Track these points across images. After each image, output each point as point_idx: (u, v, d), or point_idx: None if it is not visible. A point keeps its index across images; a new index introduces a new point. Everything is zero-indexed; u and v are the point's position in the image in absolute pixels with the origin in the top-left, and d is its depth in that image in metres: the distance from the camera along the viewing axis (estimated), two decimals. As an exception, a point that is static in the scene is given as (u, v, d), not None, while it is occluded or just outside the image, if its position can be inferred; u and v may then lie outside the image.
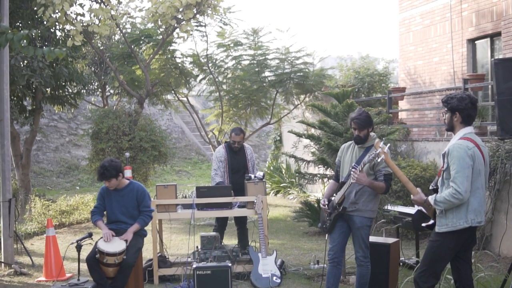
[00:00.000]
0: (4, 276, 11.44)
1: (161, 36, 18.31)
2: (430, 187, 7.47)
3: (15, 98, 17.90)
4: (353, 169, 8.19)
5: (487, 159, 7.10)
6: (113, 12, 16.67)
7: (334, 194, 8.75)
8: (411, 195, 7.37)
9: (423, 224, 7.56)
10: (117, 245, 9.11)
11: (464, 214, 6.88)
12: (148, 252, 12.44)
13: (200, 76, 20.40)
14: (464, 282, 7.24)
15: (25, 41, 8.86)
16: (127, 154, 14.82)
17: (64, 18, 15.54)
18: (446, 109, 7.13)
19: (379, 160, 7.81)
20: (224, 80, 20.26)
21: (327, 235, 8.99)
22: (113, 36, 22.73)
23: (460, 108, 6.98)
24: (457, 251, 7.10)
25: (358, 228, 8.50)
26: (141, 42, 19.48)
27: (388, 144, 7.97)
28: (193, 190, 11.42)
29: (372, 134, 8.58)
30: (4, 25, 8.97)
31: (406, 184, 7.40)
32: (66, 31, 17.88)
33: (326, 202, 8.72)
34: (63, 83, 18.71)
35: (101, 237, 9.32)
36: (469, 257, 7.31)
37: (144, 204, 9.56)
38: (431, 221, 7.28)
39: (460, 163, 6.77)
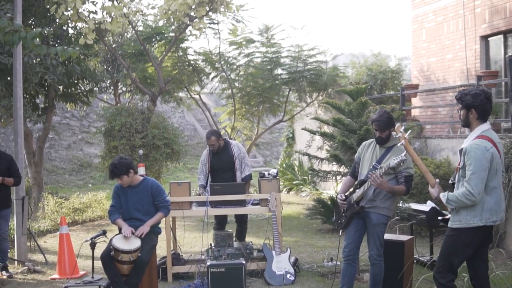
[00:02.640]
0: (18, 274, 11.46)
1: (173, 34, 18.33)
2: (450, 181, 7.39)
3: (28, 96, 17.95)
4: (373, 173, 8.17)
5: (502, 156, 7.03)
6: (125, 10, 16.69)
7: (351, 190, 8.75)
8: (429, 186, 7.31)
9: (439, 218, 7.51)
10: (132, 242, 9.12)
11: (479, 213, 6.80)
12: (161, 249, 12.44)
13: (213, 74, 20.45)
14: (480, 280, 7.19)
15: (38, 39, 8.85)
16: (141, 151, 14.82)
17: (76, 16, 15.56)
18: (460, 106, 7.03)
19: (399, 145, 7.81)
20: (237, 78, 20.29)
21: (340, 231, 8.97)
22: (125, 34, 22.75)
23: (476, 104, 6.89)
24: (475, 248, 7.05)
25: (374, 225, 8.46)
26: (154, 39, 19.51)
27: (410, 131, 7.95)
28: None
29: (394, 133, 8.54)
30: (17, 23, 8.99)
31: (425, 174, 7.36)
32: (78, 29, 17.90)
33: (344, 198, 8.68)
34: (76, 81, 18.76)
35: (116, 235, 9.33)
36: (485, 254, 7.25)
37: (160, 198, 9.57)
38: (448, 215, 7.21)
39: (477, 165, 6.68)
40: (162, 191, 9.65)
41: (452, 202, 6.84)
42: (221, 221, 12.06)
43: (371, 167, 8.43)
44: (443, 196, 6.93)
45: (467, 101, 6.93)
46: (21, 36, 8.57)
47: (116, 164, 9.33)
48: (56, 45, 17.31)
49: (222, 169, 11.91)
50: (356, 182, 8.76)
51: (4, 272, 11.33)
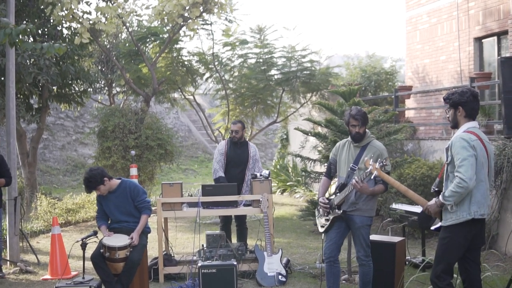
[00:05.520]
0: (10, 274, 11.43)
1: (167, 34, 18.32)
2: (432, 190, 7.41)
3: (21, 96, 17.92)
4: (355, 180, 8.17)
5: (491, 155, 7.09)
6: (119, 10, 16.67)
7: (331, 192, 8.77)
8: (425, 205, 7.29)
9: (432, 228, 7.49)
10: (121, 238, 9.18)
11: (467, 206, 6.86)
12: (153, 250, 12.44)
13: (207, 75, 20.44)
14: (473, 283, 7.19)
15: (22, 35, 8.82)
16: (133, 152, 14.83)
17: (70, 16, 15.54)
18: (448, 105, 7.12)
19: (372, 177, 7.93)
20: (231, 79, 20.29)
21: (323, 234, 8.96)
22: (119, 34, 22.75)
23: (463, 101, 7.00)
24: (467, 249, 7.04)
25: (358, 228, 8.49)
26: (148, 40, 19.50)
27: (378, 159, 8.00)
28: (199, 188, 11.35)
29: (367, 131, 8.61)
30: (4, 20, 8.95)
31: (412, 197, 7.47)
32: (72, 29, 17.88)
33: (326, 201, 8.68)
34: (70, 81, 18.73)
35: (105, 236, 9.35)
36: (477, 257, 7.24)
37: (139, 198, 9.53)
38: (439, 224, 7.21)
39: (463, 153, 6.77)
40: (140, 192, 9.61)
41: (449, 197, 6.86)
42: (226, 221, 12.08)
43: (348, 168, 8.46)
44: (441, 196, 6.95)
45: (454, 99, 7.04)
46: (7, 32, 8.55)
47: (89, 178, 9.35)
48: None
49: (235, 163, 11.90)
50: (336, 185, 8.77)
51: (-3, 272, 11.35)
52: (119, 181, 9.68)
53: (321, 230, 8.93)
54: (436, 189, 7.24)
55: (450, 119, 7.18)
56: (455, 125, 7.16)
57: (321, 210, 8.81)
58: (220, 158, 11.94)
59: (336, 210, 8.52)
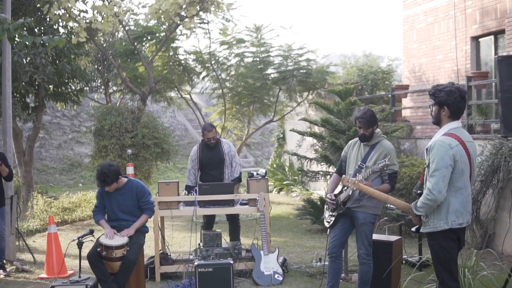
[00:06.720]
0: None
1: (164, 33, 18.29)
2: (413, 193, 7.29)
3: (17, 95, 17.87)
4: (355, 179, 8.18)
5: (473, 156, 6.76)
6: (116, 9, 16.65)
7: (340, 189, 8.76)
8: (408, 209, 7.22)
9: (412, 229, 7.37)
10: (119, 237, 9.15)
11: (445, 215, 6.62)
12: (150, 249, 12.41)
13: (203, 73, 20.42)
14: None
15: (20, 30, 8.78)
16: (129, 151, 14.80)
17: (67, 15, 15.51)
18: (433, 101, 6.85)
19: (350, 193, 8.12)
20: (227, 78, 20.27)
21: (328, 230, 8.97)
22: (116, 33, 22.71)
23: (449, 102, 6.70)
24: (459, 248, 6.95)
25: (361, 224, 8.49)
26: (144, 39, 19.46)
27: (358, 174, 8.08)
28: (195, 187, 11.33)
29: (377, 131, 8.60)
30: (1, 16, 8.91)
31: (393, 202, 7.49)
32: (69, 28, 17.85)
33: (334, 198, 8.68)
34: (66, 80, 18.69)
35: (103, 234, 9.30)
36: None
37: (144, 199, 9.55)
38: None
39: (439, 163, 6.50)
40: (146, 193, 9.61)
41: (420, 208, 6.68)
42: (209, 221, 12.02)
43: (356, 166, 8.48)
44: (413, 205, 6.80)
45: (441, 97, 6.75)
46: (5, 28, 8.52)
47: (108, 173, 9.22)
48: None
49: (211, 165, 11.84)
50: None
51: (1, 271, 11.31)
52: (126, 179, 9.67)
53: (326, 225, 8.96)
54: (419, 191, 7.03)
55: (433, 115, 6.89)
56: (437, 122, 6.87)
57: (328, 206, 8.83)
58: (192, 165, 11.99)
59: (341, 206, 8.54)
